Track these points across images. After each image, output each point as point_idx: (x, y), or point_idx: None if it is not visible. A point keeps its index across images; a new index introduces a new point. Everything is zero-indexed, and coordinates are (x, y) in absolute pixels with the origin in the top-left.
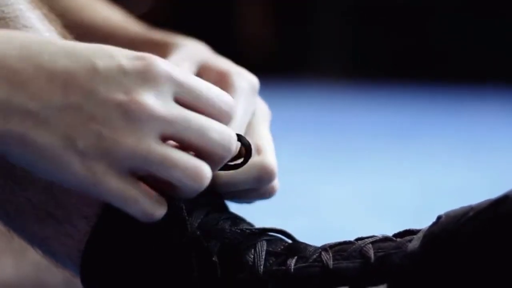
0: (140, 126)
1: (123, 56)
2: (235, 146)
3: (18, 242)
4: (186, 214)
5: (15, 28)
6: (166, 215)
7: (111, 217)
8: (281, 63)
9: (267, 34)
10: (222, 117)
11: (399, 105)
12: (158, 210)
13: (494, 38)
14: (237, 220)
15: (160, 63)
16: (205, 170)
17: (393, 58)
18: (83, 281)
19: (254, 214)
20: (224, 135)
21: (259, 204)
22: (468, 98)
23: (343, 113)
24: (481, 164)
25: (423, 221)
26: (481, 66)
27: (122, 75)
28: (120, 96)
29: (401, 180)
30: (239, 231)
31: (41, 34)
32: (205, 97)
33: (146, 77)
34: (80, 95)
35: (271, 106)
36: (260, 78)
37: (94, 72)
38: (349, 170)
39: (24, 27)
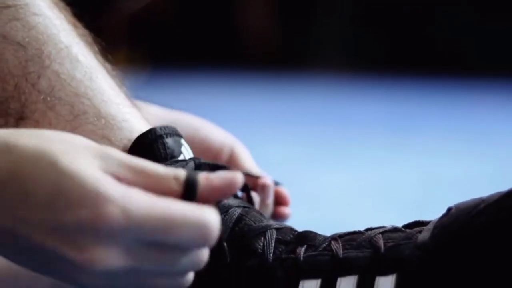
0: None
1: (67, 207)
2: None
3: None
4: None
5: (25, 15)
6: None
7: None
8: (283, 56)
9: (270, 27)
10: (197, 244)
11: (402, 97)
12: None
13: (494, 30)
14: (247, 208)
15: (111, 212)
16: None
17: (396, 50)
18: None
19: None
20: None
21: None
22: (469, 89)
23: (345, 104)
24: (483, 156)
25: (425, 212)
26: (484, 58)
27: (69, 230)
28: (73, 254)
29: (403, 171)
30: (248, 219)
31: (51, 22)
32: (173, 235)
33: (97, 233)
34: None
35: (273, 97)
36: (263, 70)
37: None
38: (351, 161)
39: (34, 14)
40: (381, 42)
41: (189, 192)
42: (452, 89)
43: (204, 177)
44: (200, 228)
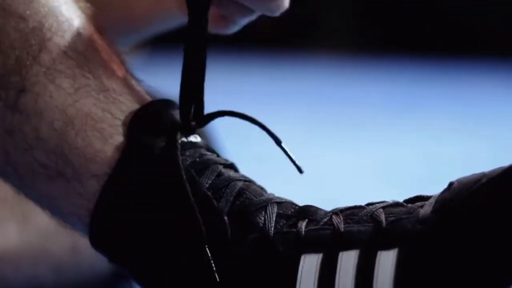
0: None
1: None
2: None
3: (22, 209)
4: (196, 175)
5: None
6: (177, 177)
7: (121, 176)
8: (285, 36)
9: None
10: None
11: (404, 76)
12: None
13: (497, 10)
14: (248, 182)
15: None
16: None
17: (398, 30)
18: (91, 241)
19: (259, 181)
20: None
21: (264, 171)
22: (472, 70)
23: (348, 84)
24: (484, 135)
25: (427, 190)
26: (485, 39)
27: None
28: None
29: (405, 150)
30: (249, 193)
31: None
32: None
33: None
34: None
35: (276, 77)
36: (265, 50)
37: None
38: (354, 140)
39: None
40: (384, 22)
41: None
42: (454, 69)
43: None
44: None
